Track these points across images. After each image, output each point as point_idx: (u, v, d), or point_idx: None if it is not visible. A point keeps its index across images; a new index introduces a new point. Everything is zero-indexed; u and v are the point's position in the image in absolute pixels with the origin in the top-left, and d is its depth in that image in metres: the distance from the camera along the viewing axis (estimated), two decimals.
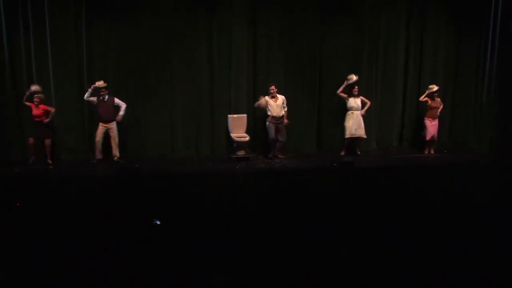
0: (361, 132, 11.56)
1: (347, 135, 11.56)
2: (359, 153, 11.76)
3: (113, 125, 10.53)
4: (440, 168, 10.89)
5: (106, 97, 10.45)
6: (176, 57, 11.23)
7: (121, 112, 10.56)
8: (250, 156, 11.27)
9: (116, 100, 10.56)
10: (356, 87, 11.41)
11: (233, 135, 11.33)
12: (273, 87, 10.94)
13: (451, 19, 12.44)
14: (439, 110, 11.92)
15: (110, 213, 6.45)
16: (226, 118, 11.51)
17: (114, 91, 10.84)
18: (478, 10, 12.48)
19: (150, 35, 10.97)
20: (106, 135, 10.60)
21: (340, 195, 7.72)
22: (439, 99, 11.89)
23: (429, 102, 11.82)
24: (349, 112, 11.50)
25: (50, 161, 10.42)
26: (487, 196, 7.57)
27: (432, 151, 12.05)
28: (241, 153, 11.27)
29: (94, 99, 10.44)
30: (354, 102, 11.47)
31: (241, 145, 11.26)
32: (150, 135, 11.31)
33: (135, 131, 11.23)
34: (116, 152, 10.65)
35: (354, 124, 11.47)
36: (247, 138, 11.27)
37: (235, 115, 11.48)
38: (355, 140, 11.68)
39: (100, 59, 10.88)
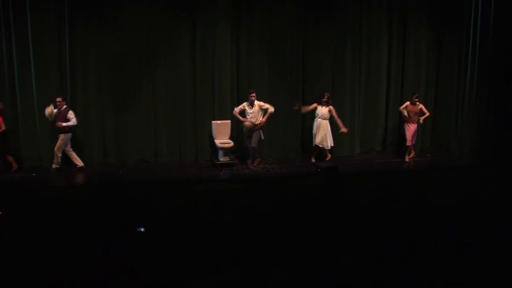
0: (324, 144, 11.42)
1: (314, 143, 11.52)
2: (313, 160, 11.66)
3: (61, 136, 10.41)
4: (422, 173, 11.03)
5: (62, 107, 10.39)
6: (159, 62, 11.30)
7: (65, 124, 10.35)
8: (234, 162, 11.29)
9: (70, 115, 10.42)
10: (327, 95, 11.31)
11: (217, 141, 11.34)
12: (254, 94, 10.97)
13: (432, 24, 12.58)
14: (423, 117, 11.87)
15: (94, 222, 6.50)
16: (210, 124, 11.55)
17: (97, 98, 10.96)
18: (458, 15, 12.64)
19: (132, 41, 11.02)
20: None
21: (323, 201, 7.81)
22: (421, 105, 11.87)
23: (408, 107, 11.81)
24: (315, 119, 11.43)
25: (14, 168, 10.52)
26: (469, 198, 7.74)
27: (409, 157, 12.03)
28: (225, 159, 11.29)
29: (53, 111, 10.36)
30: (320, 110, 11.35)
31: (225, 151, 11.28)
32: (133, 141, 11.32)
33: (118, 137, 11.25)
34: (56, 159, 10.49)
35: (318, 133, 11.39)
36: (231, 144, 11.28)
37: (219, 121, 11.50)
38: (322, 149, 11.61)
39: (83, 67, 10.90)
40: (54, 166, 10.51)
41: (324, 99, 11.26)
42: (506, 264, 5.41)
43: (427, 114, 11.94)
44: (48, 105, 10.28)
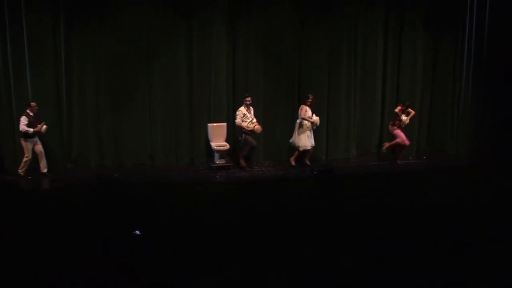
0: (312, 143, 11.56)
1: (306, 147, 11.49)
2: (308, 163, 11.71)
3: (38, 140, 10.40)
4: (420, 175, 11.07)
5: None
6: (155, 64, 11.28)
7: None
8: (230, 165, 11.31)
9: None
10: (311, 97, 11.27)
11: (213, 144, 11.35)
12: (249, 98, 11.02)
13: (428, 25, 12.60)
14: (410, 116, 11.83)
15: (92, 223, 6.53)
16: (206, 126, 11.57)
17: (94, 99, 10.98)
18: (454, 16, 12.69)
19: (128, 42, 11.02)
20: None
21: (321, 203, 7.86)
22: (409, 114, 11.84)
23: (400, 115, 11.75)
24: (302, 122, 11.35)
25: None
26: (468, 198, 7.81)
27: (399, 161, 11.98)
28: (221, 162, 11.30)
29: (25, 123, 10.12)
30: (308, 112, 11.32)
31: (221, 154, 11.29)
32: (129, 144, 11.32)
33: (115, 139, 11.25)
34: (44, 165, 10.50)
35: (311, 135, 11.48)
36: (227, 147, 11.31)
37: (214, 124, 11.53)
38: (307, 151, 11.63)
39: (79, 67, 10.86)
40: (45, 170, 10.51)
41: (309, 100, 11.26)
42: (506, 264, 5.46)
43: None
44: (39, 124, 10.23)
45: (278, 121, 11.86)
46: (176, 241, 6.02)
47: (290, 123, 11.93)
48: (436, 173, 10.87)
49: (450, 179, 9.74)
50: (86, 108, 11.01)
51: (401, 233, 6.18)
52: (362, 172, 11.37)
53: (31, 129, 10.11)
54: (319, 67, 12.09)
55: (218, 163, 11.29)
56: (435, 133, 13.15)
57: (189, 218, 7.09)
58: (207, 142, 11.62)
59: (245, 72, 11.77)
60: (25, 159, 10.30)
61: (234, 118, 11.36)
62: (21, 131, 10.11)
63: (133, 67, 11.14)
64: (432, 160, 12.53)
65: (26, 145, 10.22)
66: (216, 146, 11.28)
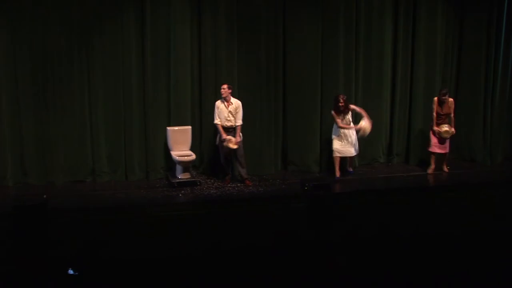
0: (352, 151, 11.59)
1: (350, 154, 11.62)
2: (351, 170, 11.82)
3: None
4: (445, 191, 10.91)
5: None
6: (96, 51, 10.86)
7: None
8: (196, 180, 11.04)
9: None
10: (342, 98, 11.21)
11: (174, 153, 11.06)
12: (225, 86, 10.74)
13: (450, 4, 12.31)
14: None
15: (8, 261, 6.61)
16: (165, 131, 11.28)
17: (11, 98, 10.59)
18: None
19: (59, 21, 10.59)
20: None
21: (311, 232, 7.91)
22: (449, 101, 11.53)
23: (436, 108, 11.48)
24: (341, 130, 11.37)
25: None
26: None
27: (446, 169, 11.92)
28: (184, 176, 11.02)
29: None
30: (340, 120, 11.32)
31: (184, 166, 10.99)
32: (62, 156, 10.92)
33: (41, 150, 10.85)
34: None
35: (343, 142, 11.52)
36: (192, 157, 11.00)
37: (176, 128, 11.23)
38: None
39: None
40: None
41: (341, 103, 11.19)
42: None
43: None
44: None
45: (257, 124, 11.47)
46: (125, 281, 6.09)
47: (273, 125, 11.82)
48: (464, 189, 10.72)
49: (481, 196, 9.58)
50: (1, 108, 10.54)
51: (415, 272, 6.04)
52: (366, 187, 11.24)
53: None
54: (309, 55, 11.77)
55: (181, 178, 11.00)
56: (462, 138, 12.77)
57: (143, 251, 7.11)
58: (167, 151, 11.31)
59: (214, 61, 11.43)
60: None
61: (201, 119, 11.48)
62: None
63: (67, 54, 10.66)
64: (459, 171, 12.26)
65: None
66: (178, 156, 10.96)
